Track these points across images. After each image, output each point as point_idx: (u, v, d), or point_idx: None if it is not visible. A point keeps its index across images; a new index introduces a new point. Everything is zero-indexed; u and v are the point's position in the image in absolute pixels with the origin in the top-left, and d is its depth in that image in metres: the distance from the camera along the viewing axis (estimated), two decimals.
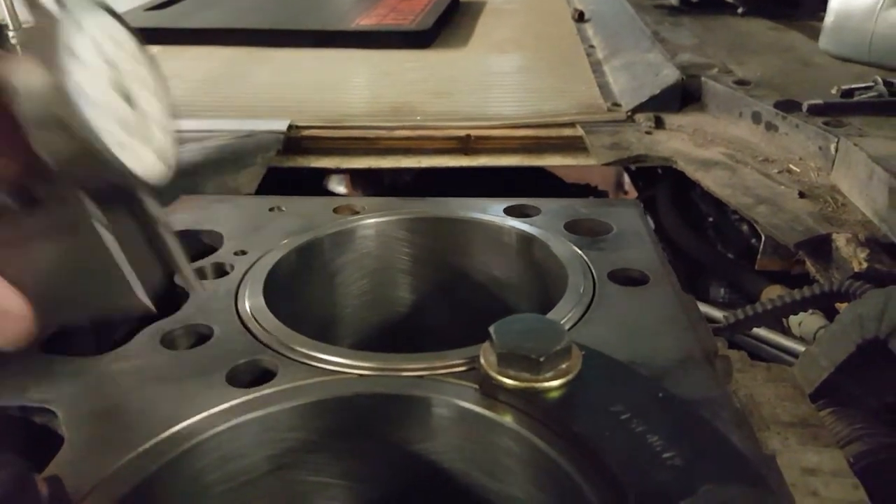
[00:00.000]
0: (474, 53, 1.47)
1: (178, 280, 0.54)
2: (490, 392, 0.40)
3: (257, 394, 0.41)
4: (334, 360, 0.44)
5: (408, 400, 0.40)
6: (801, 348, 0.76)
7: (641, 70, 1.22)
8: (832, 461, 0.42)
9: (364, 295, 0.65)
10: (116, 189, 0.35)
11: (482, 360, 0.40)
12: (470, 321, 0.64)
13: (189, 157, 0.95)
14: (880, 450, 0.54)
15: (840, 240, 0.76)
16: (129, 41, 0.37)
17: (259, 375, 0.44)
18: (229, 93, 1.26)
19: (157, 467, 0.37)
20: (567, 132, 1.05)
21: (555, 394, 0.37)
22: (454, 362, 0.43)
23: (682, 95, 1.10)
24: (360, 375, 0.43)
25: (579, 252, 0.56)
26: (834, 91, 0.99)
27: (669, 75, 1.12)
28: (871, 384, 0.61)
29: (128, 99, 0.35)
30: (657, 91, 1.10)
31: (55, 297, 0.35)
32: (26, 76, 0.31)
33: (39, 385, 0.42)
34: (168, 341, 0.47)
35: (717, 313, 0.88)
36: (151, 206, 0.38)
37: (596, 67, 1.35)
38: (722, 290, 1.03)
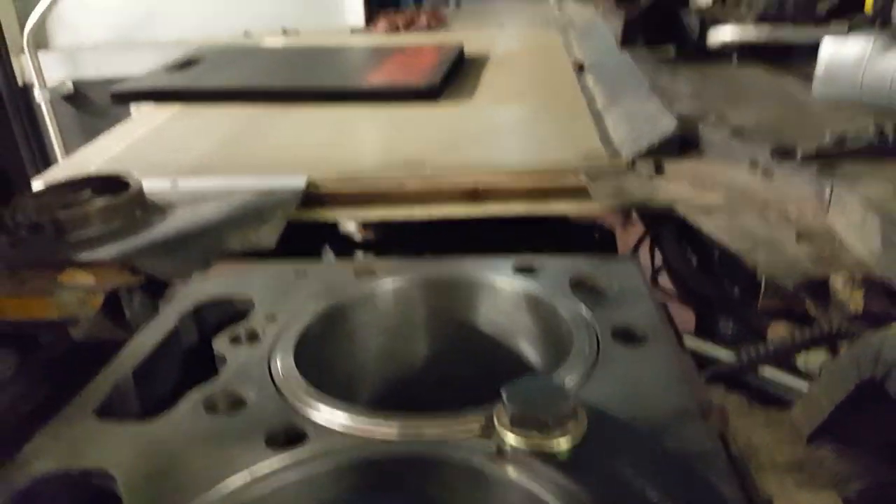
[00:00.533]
0: (480, 105, 1.53)
1: (215, 345, 0.59)
2: (504, 452, 0.43)
3: (294, 458, 0.45)
4: (360, 424, 0.48)
5: (431, 461, 0.44)
6: (804, 385, 0.78)
7: (640, 119, 1.26)
8: (827, 502, 0.46)
9: (383, 351, 0.70)
10: None
11: (496, 422, 0.44)
12: (483, 373, 0.69)
13: (213, 214, 1.01)
14: (880, 488, 0.57)
15: (837, 281, 0.79)
16: None
17: (293, 437, 0.48)
18: (249, 149, 1.31)
19: None
20: (571, 179, 1.09)
21: (564, 454, 0.41)
22: (470, 426, 0.47)
23: (681, 143, 1.13)
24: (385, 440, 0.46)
25: (583, 311, 0.61)
26: (827, 138, 1.03)
27: (668, 124, 1.15)
28: (871, 423, 0.64)
29: None
30: (655, 141, 1.13)
31: None
32: None
33: (97, 450, 0.47)
34: (209, 406, 0.51)
35: (722, 353, 0.92)
36: None
37: (597, 117, 1.39)
38: (730, 324, 1.06)
